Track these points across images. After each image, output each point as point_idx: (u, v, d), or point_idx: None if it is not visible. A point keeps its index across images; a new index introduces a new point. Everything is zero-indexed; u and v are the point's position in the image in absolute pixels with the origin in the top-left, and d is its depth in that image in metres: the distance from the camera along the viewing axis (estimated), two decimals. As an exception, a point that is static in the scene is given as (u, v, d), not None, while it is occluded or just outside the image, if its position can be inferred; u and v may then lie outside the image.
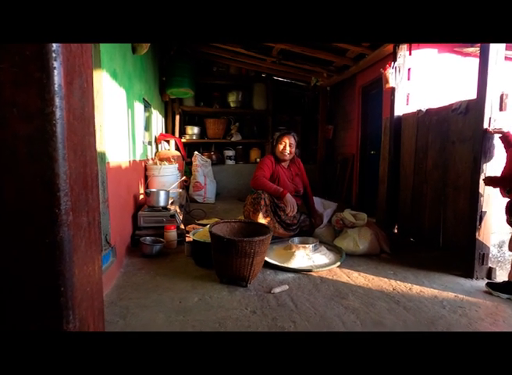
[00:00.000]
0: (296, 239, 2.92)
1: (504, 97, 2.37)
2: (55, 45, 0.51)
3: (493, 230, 2.53)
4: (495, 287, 2.21)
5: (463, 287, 2.31)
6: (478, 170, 2.41)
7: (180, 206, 3.91)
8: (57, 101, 0.53)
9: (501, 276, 2.47)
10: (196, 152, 5.75)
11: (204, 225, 3.24)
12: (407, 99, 3.62)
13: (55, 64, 0.52)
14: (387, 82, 3.49)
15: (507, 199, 2.19)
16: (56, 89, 0.52)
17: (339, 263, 2.67)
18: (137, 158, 3.53)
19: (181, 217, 3.46)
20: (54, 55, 0.52)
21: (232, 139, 6.35)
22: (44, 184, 0.52)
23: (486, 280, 2.41)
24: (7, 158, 0.52)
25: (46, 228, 0.53)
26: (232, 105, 6.36)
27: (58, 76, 0.53)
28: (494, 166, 2.40)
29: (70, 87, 0.56)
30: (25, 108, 0.51)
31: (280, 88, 6.68)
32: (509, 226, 2.23)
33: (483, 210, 2.42)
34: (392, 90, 3.53)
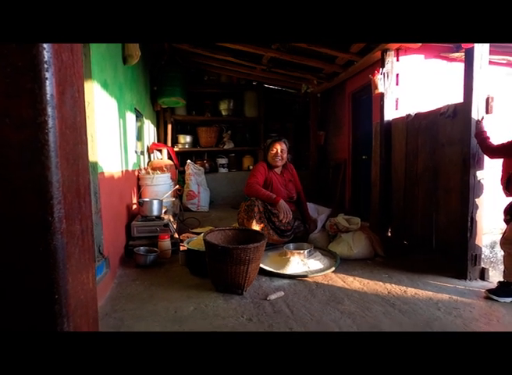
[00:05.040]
0: (290, 245, 2.92)
1: (490, 100, 2.43)
2: (46, 56, 0.52)
3: (485, 231, 2.56)
4: (495, 293, 2.15)
5: (457, 289, 2.33)
6: (467, 172, 2.45)
7: (174, 215, 3.89)
8: (49, 110, 0.53)
9: (494, 277, 2.49)
10: (189, 161, 5.74)
11: (199, 233, 3.23)
12: (396, 104, 3.68)
13: (47, 75, 0.53)
14: (376, 88, 3.55)
15: (508, 200, 2.18)
16: (48, 99, 0.53)
17: (334, 268, 2.67)
18: (130, 168, 3.52)
19: (175, 226, 3.45)
20: (46, 66, 0.52)
21: (225, 147, 6.37)
22: (37, 192, 0.53)
23: (479, 281, 2.44)
24: (-1, 166, 0.53)
25: (39, 236, 0.53)
26: (223, 113, 6.39)
27: (50, 87, 0.53)
28: (483, 168, 2.45)
29: (62, 97, 0.57)
30: (17, 118, 0.52)
31: (271, 96, 6.74)
32: (500, 227, 2.26)
33: (474, 211, 2.45)
34: (382, 95, 3.58)
